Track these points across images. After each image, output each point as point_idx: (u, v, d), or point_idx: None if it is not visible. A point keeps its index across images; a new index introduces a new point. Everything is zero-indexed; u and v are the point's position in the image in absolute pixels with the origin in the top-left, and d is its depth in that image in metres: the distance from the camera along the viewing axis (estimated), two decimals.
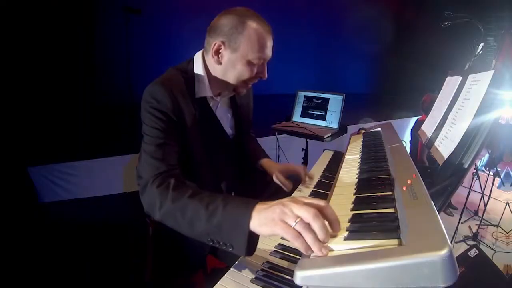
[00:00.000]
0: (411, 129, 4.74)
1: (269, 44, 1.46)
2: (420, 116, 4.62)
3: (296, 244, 0.84)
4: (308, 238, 0.82)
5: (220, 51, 1.43)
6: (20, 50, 5.31)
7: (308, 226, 0.84)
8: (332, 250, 0.83)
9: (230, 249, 1.02)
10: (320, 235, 0.83)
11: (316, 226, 0.83)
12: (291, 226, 0.85)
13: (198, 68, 1.53)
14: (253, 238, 0.98)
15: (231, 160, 1.75)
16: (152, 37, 6.76)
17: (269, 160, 1.87)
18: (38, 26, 5.44)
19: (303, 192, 1.70)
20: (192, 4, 7.06)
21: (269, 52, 1.47)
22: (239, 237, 0.98)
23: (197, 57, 1.55)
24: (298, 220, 0.85)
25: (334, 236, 0.86)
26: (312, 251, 0.82)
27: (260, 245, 1.22)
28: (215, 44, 1.42)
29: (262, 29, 1.41)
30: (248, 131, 1.95)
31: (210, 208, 1.05)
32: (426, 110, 4.34)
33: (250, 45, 1.39)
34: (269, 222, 0.90)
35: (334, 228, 0.87)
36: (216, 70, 1.50)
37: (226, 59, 1.44)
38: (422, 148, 4.15)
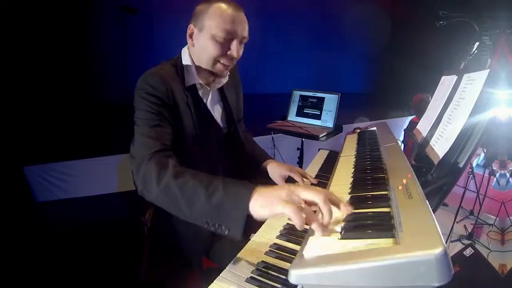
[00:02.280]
0: (404, 130, 4.75)
1: (237, 21, 1.48)
2: (413, 117, 4.64)
3: (296, 221, 0.88)
4: (314, 222, 0.90)
5: (192, 34, 1.54)
6: (16, 49, 5.30)
7: (313, 212, 0.92)
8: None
9: (226, 232, 1.04)
10: (326, 219, 0.91)
11: (324, 210, 0.91)
12: (295, 205, 0.90)
13: (186, 59, 1.60)
14: (248, 221, 1.01)
15: (224, 151, 1.76)
16: (148, 36, 6.75)
17: (271, 165, 1.86)
18: (34, 25, 5.43)
19: None
20: (189, 3, 7.04)
21: (237, 29, 1.48)
22: (237, 218, 1.00)
23: (184, 50, 1.63)
24: (303, 203, 0.93)
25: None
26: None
27: (256, 245, 1.23)
28: (189, 28, 1.54)
29: (227, 6, 1.47)
30: (239, 124, 1.95)
31: (210, 188, 1.07)
32: (417, 111, 4.37)
33: (212, 20, 1.45)
34: (274, 203, 0.94)
35: (342, 209, 0.96)
36: (195, 55, 1.58)
37: (196, 39, 1.53)
38: (411, 148, 4.16)
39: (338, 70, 10.18)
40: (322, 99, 3.22)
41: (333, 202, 0.95)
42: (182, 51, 1.64)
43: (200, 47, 1.53)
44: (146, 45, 6.62)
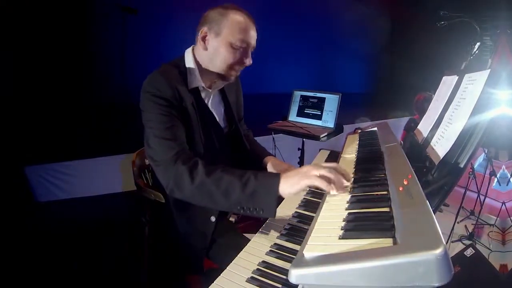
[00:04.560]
0: (404, 128, 4.73)
1: (252, 32, 1.55)
2: (414, 116, 4.63)
3: (323, 185, 1.14)
4: (334, 178, 1.17)
5: (206, 37, 1.54)
6: (16, 50, 5.30)
7: (328, 178, 1.16)
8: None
9: (260, 213, 1.22)
10: (338, 185, 1.17)
11: (333, 177, 1.17)
12: (315, 177, 1.15)
13: (189, 62, 1.61)
14: (278, 202, 1.22)
15: (225, 149, 1.78)
16: (148, 37, 6.74)
17: (270, 163, 1.87)
18: (34, 25, 5.43)
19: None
20: (189, 4, 7.04)
21: (251, 39, 1.55)
22: (270, 200, 1.20)
23: (188, 52, 1.64)
24: (320, 170, 1.17)
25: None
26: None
27: (256, 245, 1.23)
28: (201, 31, 1.54)
29: (243, 17, 1.53)
30: (240, 123, 1.98)
31: (243, 179, 1.23)
32: (418, 110, 4.36)
33: (231, 28, 1.49)
34: (299, 180, 1.17)
35: (347, 178, 1.22)
36: (204, 58, 1.59)
37: (211, 44, 1.54)
38: (403, 141, 4.16)
39: (339, 70, 10.15)
40: (323, 99, 3.21)
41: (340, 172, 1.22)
42: (185, 53, 1.65)
43: (214, 52, 1.54)
44: (145, 45, 6.62)
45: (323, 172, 1.17)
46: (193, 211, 1.55)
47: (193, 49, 1.63)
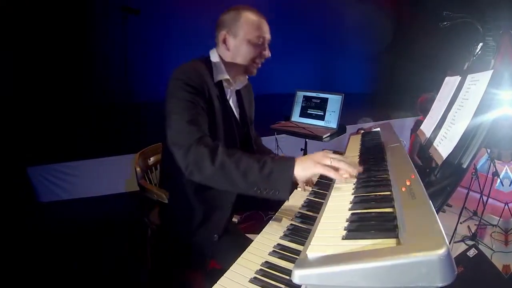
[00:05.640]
0: (411, 129, 4.71)
1: (265, 27, 1.70)
2: (419, 117, 4.61)
3: (332, 175, 1.23)
4: (343, 167, 1.25)
5: (226, 40, 1.69)
6: (18, 50, 5.31)
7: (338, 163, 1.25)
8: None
9: (276, 194, 1.28)
10: (345, 175, 1.26)
11: (343, 164, 1.25)
12: (328, 164, 1.24)
13: (215, 58, 1.74)
14: (293, 184, 1.29)
15: (241, 149, 1.79)
16: (150, 37, 6.75)
17: None
18: (36, 25, 5.44)
19: (302, 191, 1.70)
20: (190, 5, 7.05)
21: (266, 33, 1.71)
22: (285, 182, 1.27)
23: (212, 51, 1.77)
24: (332, 160, 1.24)
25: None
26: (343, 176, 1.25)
27: (259, 245, 1.23)
28: (221, 35, 1.69)
29: (255, 15, 1.68)
30: (251, 127, 2.05)
31: (261, 162, 1.30)
32: (422, 111, 4.34)
33: (247, 28, 1.65)
34: (312, 166, 1.25)
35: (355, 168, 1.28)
36: (227, 57, 1.73)
37: (232, 45, 1.69)
38: (413, 145, 4.13)
39: (342, 70, 10.13)
40: (326, 99, 3.21)
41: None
42: (210, 52, 1.77)
43: (236, 50, 1.69)
44: (147, 46, 6.62)
45: (335, 163, 1.24)
46: (206, 202, 1.62)
47: (216, 50, 1.76)
